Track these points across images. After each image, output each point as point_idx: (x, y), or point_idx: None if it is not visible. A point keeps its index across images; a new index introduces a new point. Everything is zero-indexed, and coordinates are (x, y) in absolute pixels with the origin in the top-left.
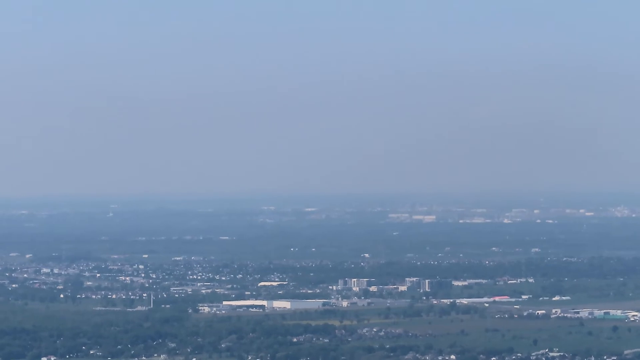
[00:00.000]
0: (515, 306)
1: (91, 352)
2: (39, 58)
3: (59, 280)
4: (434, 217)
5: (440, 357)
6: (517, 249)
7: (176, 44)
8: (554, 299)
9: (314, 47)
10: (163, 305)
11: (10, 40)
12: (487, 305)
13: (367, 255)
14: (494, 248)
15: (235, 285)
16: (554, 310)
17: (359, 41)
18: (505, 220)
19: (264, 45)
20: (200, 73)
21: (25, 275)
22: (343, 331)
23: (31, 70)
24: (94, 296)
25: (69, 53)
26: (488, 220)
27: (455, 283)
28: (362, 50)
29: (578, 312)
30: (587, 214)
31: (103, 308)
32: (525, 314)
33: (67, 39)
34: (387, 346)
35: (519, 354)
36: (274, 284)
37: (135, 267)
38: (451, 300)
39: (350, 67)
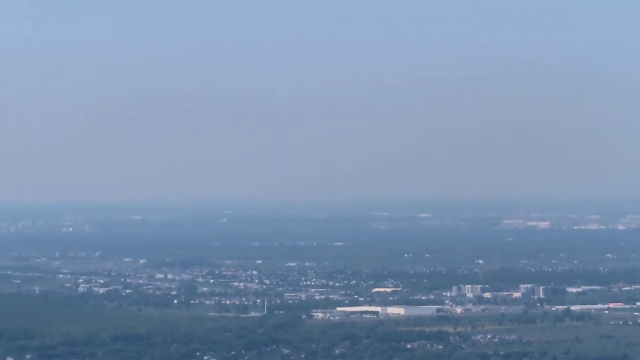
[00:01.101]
0: (633, 313)
1: (205, 357)
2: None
3: (173, 286)
4: (548, 223)
5: None
6: (631, 256)
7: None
8: None
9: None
10: (277, 311)
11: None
12: (605, 312)
13: (481, 261)
14: (608, 254)
15: (349, 291)
16: None
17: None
18: (620, 227)
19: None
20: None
21: (139, 281)
22: (457, 337)
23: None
24: (207, 302)
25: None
26: (602, 227)
27: (570, 289)
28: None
29: None
30: None
31: (217, 314)
32: None
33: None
34: (501, 353)
35: None
36: (388, 289)
37: (249, 272)
38: (565, 307)
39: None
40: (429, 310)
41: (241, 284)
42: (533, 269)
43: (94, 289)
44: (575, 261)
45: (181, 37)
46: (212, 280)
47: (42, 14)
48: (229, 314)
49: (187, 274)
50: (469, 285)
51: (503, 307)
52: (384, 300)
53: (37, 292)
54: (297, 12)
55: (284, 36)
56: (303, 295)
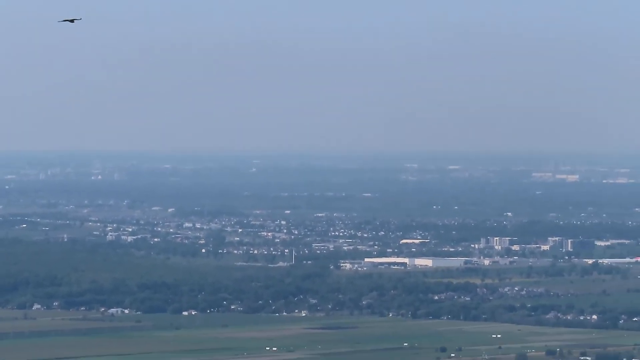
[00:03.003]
0: None
1: (232, 307)
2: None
3: (201, 235)
4: (577, 176)
5: (581, 317)
6: None
7: None
8: None
9: None
10: (304, 262)
11: None
12: (629, 265)
13: (509, 214)
14: (637, 209)
15: (377, 242)
16: None
17: None
18: None
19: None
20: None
21: (167, 230)
22: (484, 290)
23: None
24: (235, 251)
25: None
26: (632, 181)
27: (598, 243)
28: None
29: None
30: None
31: (245, 263)
32: None
33: None
34: (529, 305)
35: None
36: (416, 241)
37: (278, 222)
38: (593, 260)
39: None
40: (456, 262)
41: (269, 234)
42: (562, 222)
43: (122, 237)
44: (604, 215)
45: None
46: (240, 230)
47: None
48: (257, 264)
49: (216, 223)
50: (497, 238)
51: (531, 260)
52: (412, 252)
53: (65, 240)
54: None
55: None
56: (331, 246)
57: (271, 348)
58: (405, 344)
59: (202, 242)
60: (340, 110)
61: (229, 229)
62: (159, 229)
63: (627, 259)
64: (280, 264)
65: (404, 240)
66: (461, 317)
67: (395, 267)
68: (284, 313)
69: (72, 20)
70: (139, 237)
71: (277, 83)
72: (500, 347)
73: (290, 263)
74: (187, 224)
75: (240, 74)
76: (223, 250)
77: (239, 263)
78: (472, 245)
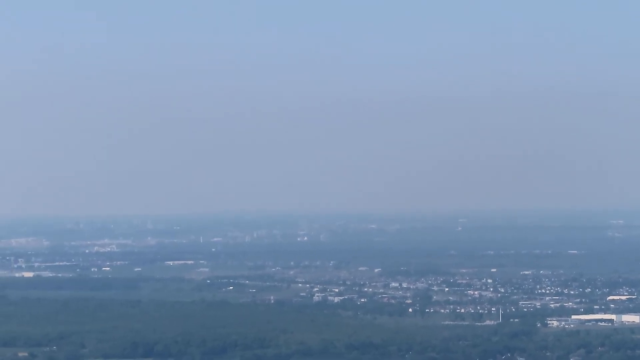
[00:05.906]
0: None
1: None
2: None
3: (407, 295)
4: None
5: None
6: None
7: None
8: None
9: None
10: (511, 320)
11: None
12: None
13: None
14: None
15: (583, 299)
16: None
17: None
18: None
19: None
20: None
21: (374, 290)
22: None
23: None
24: (442, 310)
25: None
26: None
27: None
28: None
29: None
30: None
31: (451, 322)
32: None
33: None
34: None
35: None
36: (623, 297)
37: (484, 281)
38: None
39: None
40: None
41: (476, 292)
42: None
43: (329, 297)
44: None
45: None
46: (446, 289)
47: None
48: (464, 323)
49: (422, 282)
50: None
51: None
52: (619, 308)
53: (272, 301)
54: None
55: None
56: (538, 304)
57: None
58: None
59: (408, 301)
60: (545, 167)
61: (435, 288)
62: (366, 289)
63: None
64: (487, 322)
65: (611, 297)
66: None
67: (603, 323)
68: None
69: None
70: (346, 297)
71: (480, 138)
72: None
73: (497, 321)
74: (393, 284)
75: (441, 131)
76: (430, 309)
77: (446, 322)
78: None
